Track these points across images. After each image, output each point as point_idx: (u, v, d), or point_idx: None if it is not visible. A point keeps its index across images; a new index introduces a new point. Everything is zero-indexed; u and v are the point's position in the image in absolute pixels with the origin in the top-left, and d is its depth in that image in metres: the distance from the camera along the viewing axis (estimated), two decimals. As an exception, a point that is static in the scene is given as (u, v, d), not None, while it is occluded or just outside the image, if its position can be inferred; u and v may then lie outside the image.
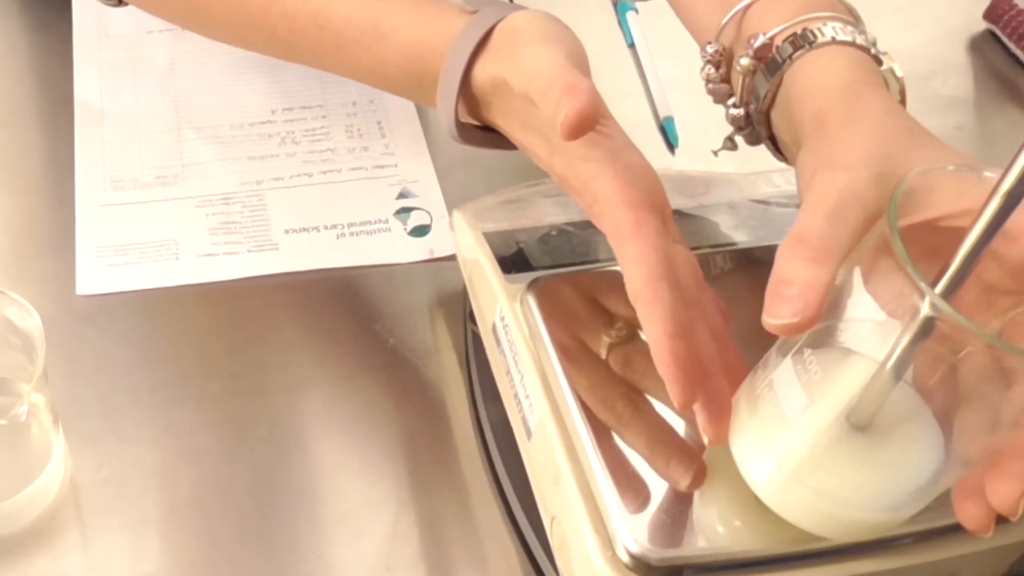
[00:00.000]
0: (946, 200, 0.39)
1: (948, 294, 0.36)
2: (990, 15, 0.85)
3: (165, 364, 0.60)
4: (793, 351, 0.39)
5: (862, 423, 0.39)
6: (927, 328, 0.36)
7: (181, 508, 0.54)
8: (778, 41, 0.48)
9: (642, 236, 0.43)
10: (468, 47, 0.49)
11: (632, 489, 0.44)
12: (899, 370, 0.37)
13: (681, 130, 0.75)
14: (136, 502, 0.54)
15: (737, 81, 0.51)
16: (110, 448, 0.56)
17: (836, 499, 0.40)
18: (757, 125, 0.51)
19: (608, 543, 0.43)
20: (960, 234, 0.36)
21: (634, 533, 0.42)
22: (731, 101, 0.52)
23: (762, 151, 0.53)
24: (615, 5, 0.85)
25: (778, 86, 0.48)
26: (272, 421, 0.57)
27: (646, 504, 0.44)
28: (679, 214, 0.54)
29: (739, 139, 0.54)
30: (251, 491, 0.55)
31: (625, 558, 0.42)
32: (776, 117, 0.49)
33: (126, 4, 0.63)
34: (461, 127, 0.51)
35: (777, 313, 0.38)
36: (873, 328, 0.38)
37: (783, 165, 0.52)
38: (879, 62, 0.48)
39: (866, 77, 0.46)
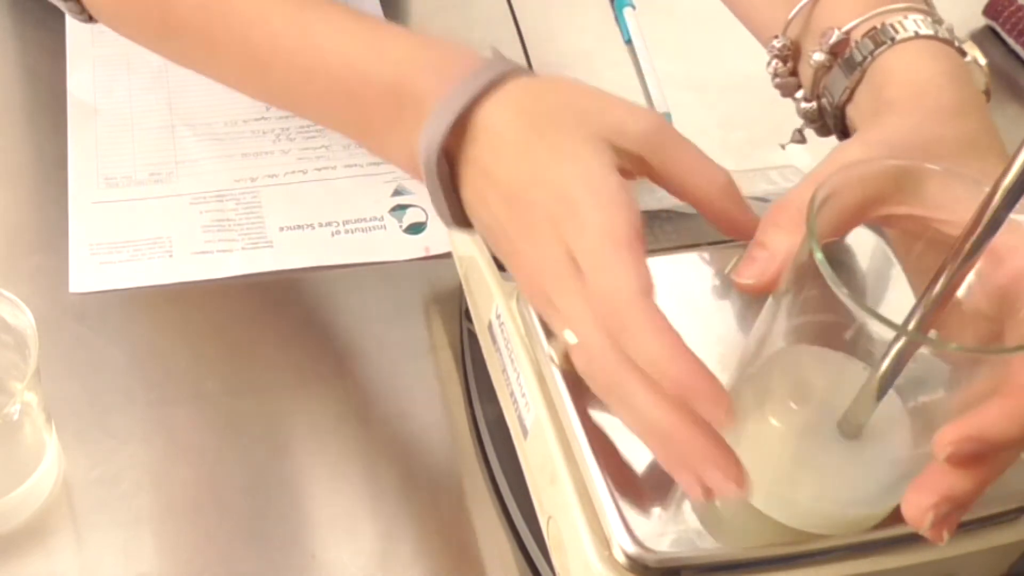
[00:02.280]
0: (936, 202, 0.39)
1: (937, 303, 0.36)
2: (990, 11, 0.85)
3: (159, 362, 0.59)
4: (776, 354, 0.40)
5: (852, 431, 0.39)
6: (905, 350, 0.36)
7: (175, 508, 0.54)
8: (856, 36, 0.47)
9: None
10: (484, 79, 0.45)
11: (629, 489, 0.43)
12: (886, 385, 0.37)
13: (678, 127, 0.74)
14: (129, 501, 0.53)
15: (807, 75, 0.50)
16: (103, 447, 0.55)
17: (828, 499, 0.41)
18: (830, 119, 0.50)
19: (604, 543, 0.43)
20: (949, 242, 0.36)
21: (630, 533, 0.42)
22: (800, 95, 0.51)
23: (761, 150, 0.53)
24: (612, 1, 0.84)
25: (858, 82, 0.47)
26: (266, 420, 0.57)
27: (643, 504, 0.43)
28: (675, 212, 0.54)
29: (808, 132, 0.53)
30: (245, 491, 0.54)
31: (621, 558, 0.42)
32: (853, 112, 0.48)
33: (96, 22, 0.60)
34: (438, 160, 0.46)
35: (741, 273, 0.39)
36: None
37: (782, 162, 0.52)
38: (963, 53, 0.48)
39: (951, 71, 0.45)
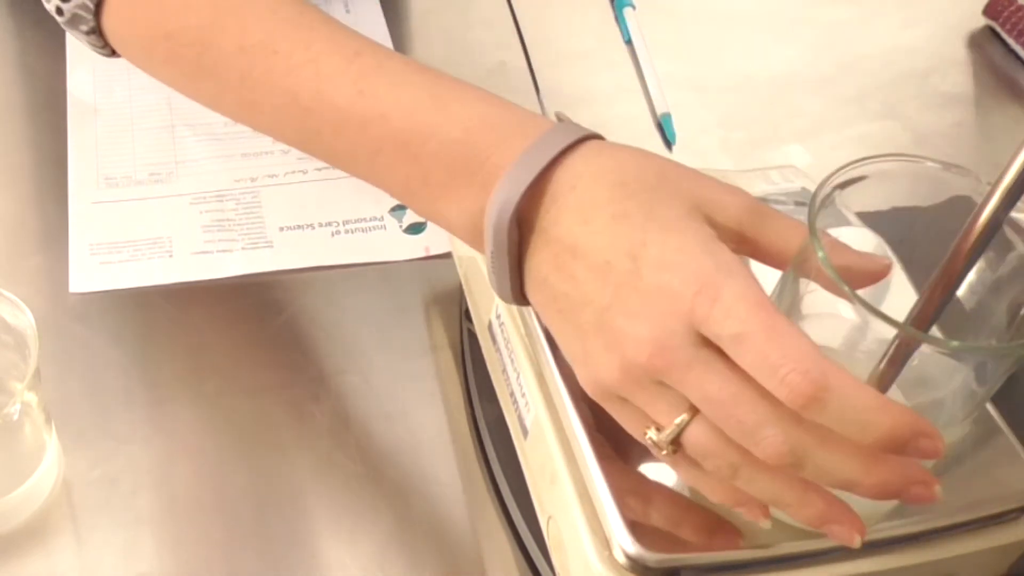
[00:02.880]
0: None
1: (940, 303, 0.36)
2: (990, 11, 0.85)
3: (159, 363, 0.59)
4: None
5: None
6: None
7: (175, 508, 0.54)
8: None
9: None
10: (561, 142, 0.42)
11: (629, 489, 0.43)
12: (887, 383, 0.38)
13: (678, 127, 0.75)
14: (130, 502, 0.53)
15: None
16: (103, 447, 0.55)
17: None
18: None
19: (604, 543, 0.43)
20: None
21: (631, 533, 0.42)
22: None
23: (761, 150, 0.53)
24: (612, 1, 0.84)
25: None
26: (266, 420, 0.57)
27: (643, 504, 0.43)
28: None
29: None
30: (245, 491, 0.54)
31: (621, 558, 0.42)
32: None
33: (118, 55, 0.57)
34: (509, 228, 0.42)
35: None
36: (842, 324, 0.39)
37: (781, 162, 0.52)
38: None
39: None
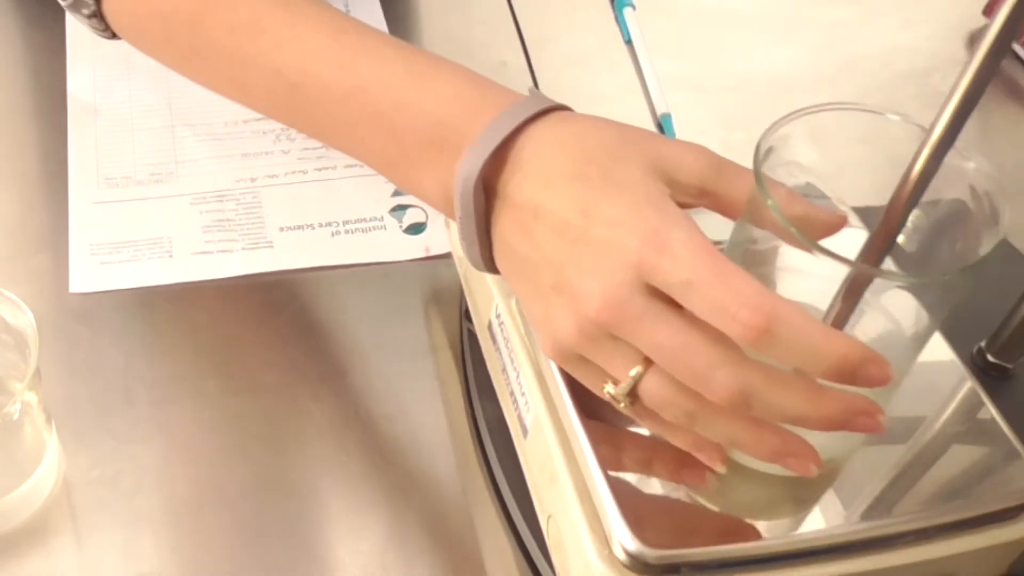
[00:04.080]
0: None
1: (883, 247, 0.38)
2: (990, 11, 0.85)
3: (159, 362, 0.59)
4: None
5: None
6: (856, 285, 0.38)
7: (175, 507, 0.54)
8: None
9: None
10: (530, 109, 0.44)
11: (628, 487, 0.43)
12: (840, 323, 0.39)
13: (678, 127, 0.75)
14: (130, 501, 0.53)
15: None
16: (104, 447, 0.55)
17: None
18: None
19: (604, 541, 0.43)
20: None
21: (631, 531, 0.42)
22: None
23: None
24: (612, 1, 0.85)
25: None
26: (267, 419, 0.57)
27: (643, 502, 0.43)
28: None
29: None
30: (246, 490, 0.54)
31: (622, 556, 0.42)
32: None
33: (119, 38, 0.60)
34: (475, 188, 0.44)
35: None
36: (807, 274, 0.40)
37: (787, 158, 0.52)
38: None
39: None
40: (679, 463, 0.44)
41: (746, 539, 0.43)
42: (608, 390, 0.42)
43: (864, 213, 0.45)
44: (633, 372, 0.40)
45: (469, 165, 0.43)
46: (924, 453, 0.46)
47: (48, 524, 0.52)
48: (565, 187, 0.42)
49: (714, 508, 0.45)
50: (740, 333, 0.37)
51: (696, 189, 0.43)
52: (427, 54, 0.49)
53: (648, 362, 0.40)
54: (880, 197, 0.39)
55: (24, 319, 0.50)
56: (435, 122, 0.46)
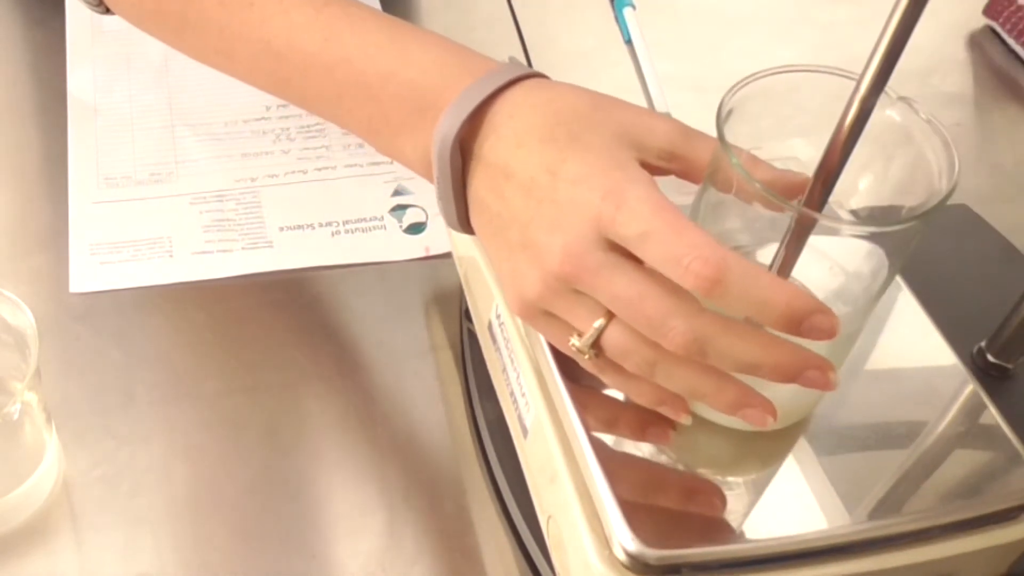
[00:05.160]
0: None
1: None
2: (990, 11, 0.85)
3: (159, 362, 0.59)
4: None
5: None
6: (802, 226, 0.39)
7: (175, 507, 0.54)
8: None
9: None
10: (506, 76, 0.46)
11: (629, 487, 0.43)
12: (786, 271, 0.41)
13: (678, 127, 0.75)
14: (130, 501, 0.53)
15: None
16: (103, 447, 0.55)
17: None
18: None
19: (605, 542, 0.43)
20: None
21: (631, 531, 0.42)
22: None
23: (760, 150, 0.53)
24: (612, 1, 0.84)
25: None
26: (267, 419, 0.57)
27: (643, 502, 0.43)
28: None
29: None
30: (245, 490, 0.54)
31: (622, 557, 0.42)
32: None
33: (112, 14, 0.62)
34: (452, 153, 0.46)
35: None
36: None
37: (786, 154, 0.52)
38: None
39: None
40: (644, 423, 0.46)
41: (746, 539, 0.43)
42: (573, 343, 0.43)
43: (863, 213, 0.45)
44: (597, 324, 0.42)
45: (447, 127, 0.45)
46: (924, 453, 0.46)
47: (48, 524, 0.52)
48: (535, 147, 0.43)
49: (680, 466, 0.46)
50: (693, 283, 0.38)
51: (664, 152, 0.44)
52: (409, 26, 0.51)
53: (610, 314, 0.42)
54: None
55: (24, 319, 0.50)
56: (416, 89, 0.48)
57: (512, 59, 0.49)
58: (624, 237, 0.40)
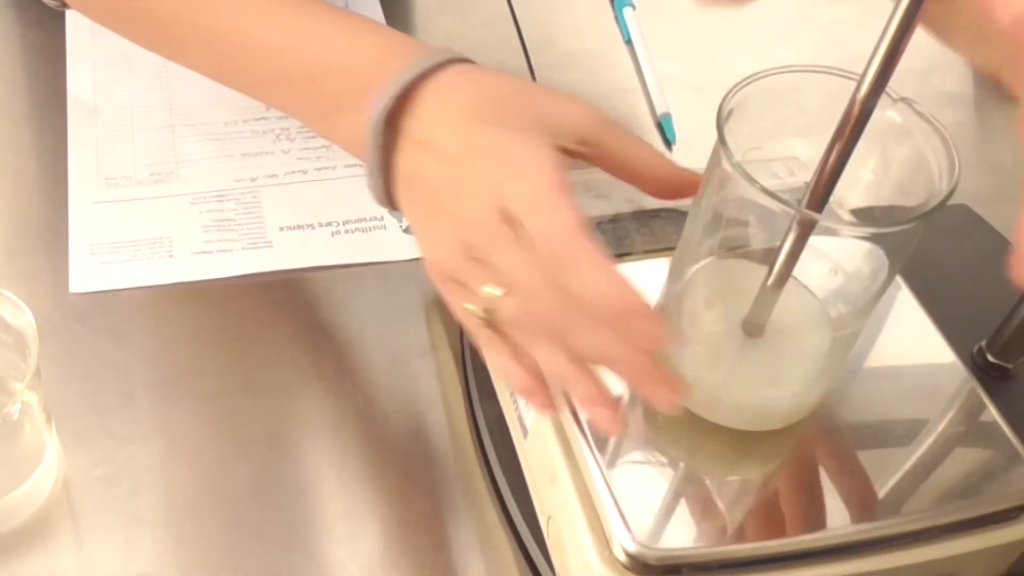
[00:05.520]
0: None
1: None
2: (989, 11, 0.85)
3: (159, 362, 0.59)
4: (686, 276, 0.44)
5: (755, 330, 0.43)
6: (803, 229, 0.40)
7: (175, 507, 0.54)
8: None
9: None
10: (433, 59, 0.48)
11: (629, 487, 0.43)
12: (782, 276, 0.41)
13: (678, 127, 0.75)
14: (130, 501, 0.53)
15: None
16: (103, 447, 0.55)
17: (745, 393, 0.45)
18: None
19: (605, 542, 0.43)
20: None
21: (631, 532, 0.42)
22: None
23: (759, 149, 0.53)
24: (612, 1, 0.84)
25: None
26: (267, 420, 0.57)
27: (643, 502, 0.43)
28: (677, 213, 0.54)
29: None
30: (246, 490, 0.54)
31: (622, 557, 0.42)
32: None
33: (68, 7, 0.64)
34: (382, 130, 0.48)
35: None
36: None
37: (785, 154, 0.52)
38: None
39: None
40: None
41: (746, 539, 0.43)
42: (468, 306, 0.45)
43: (863, 213, 0.45)
44: (491, 289, 0.44)
45: (378, 106, 0.47)
46: (924, 453, 0.46)
47: (48, 524, 0.52)
48: (458, 124, 0.46)
49: (680, 467, 0.46)
50: (543, 262, 0.41)
51: (580, 139, 0.46)
52: (352, 14, 0.53)
53: (508, 284, 0.43)
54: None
55: (24, 319, 0.50)
56: (354, 74, 0.50)
57: (444, 46, 0.50)
58: (515, 212, 0.43)
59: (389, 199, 0.49)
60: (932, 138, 0.41)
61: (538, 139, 0.44)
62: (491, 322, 0.44)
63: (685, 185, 0.46)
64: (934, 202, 0.40)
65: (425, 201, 0.47)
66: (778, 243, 0.41)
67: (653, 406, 0.44)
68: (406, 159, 0.48)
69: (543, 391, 0.45)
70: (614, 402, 0.43)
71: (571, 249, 0.40)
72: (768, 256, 0.42)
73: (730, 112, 0.42)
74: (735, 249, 0.43)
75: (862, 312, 0.44)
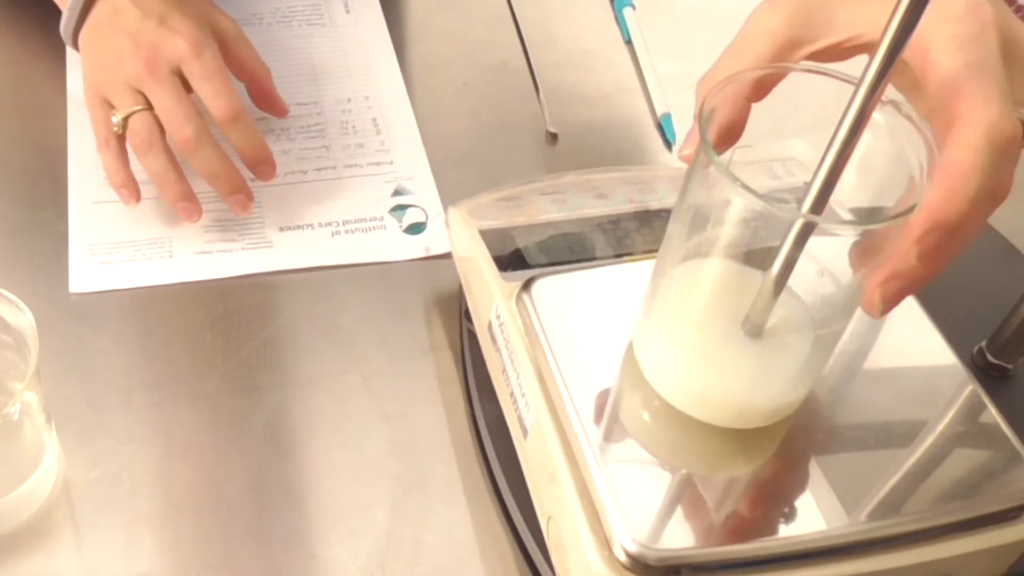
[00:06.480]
0: (842, 25, 0.45)
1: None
2: (989, 11, 0.85)
3: (159, 362, 0.59)
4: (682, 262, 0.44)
5: (755, 330, 0.43)
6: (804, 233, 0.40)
7: (175, 507, 0.54)
8: None
9: None
10: None
11: (629, 488, 0.43)
12: (783, 278, 0.41)
13: (678, 127, 0.75)
14: (129, 501, 0.53)
15: None
16: (103, 447, 0.55)
17: (733, 393, 0.44)
18: None
19: (605, 542, 0.43)
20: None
21: (631, 532, 0.42)
22: None
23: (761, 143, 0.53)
24: (612, 1, 0.84)
25: None
26: (266, 420, 0.57)
27: (643, 503, 0.43)
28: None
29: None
30: (245, 490, 0.54)
31: (622, 557, 0.42)
32: None
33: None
34: None
35: (684, 148, 0.45)
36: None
37: (785, 155, 0.52)
38: None
39: None
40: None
41: (746, 540, 0.43)
42: (113, 118, 0.62)
43: (862, 213, 0.45)
44: (137, 108, 0.62)
45: None
46: (924, 453, 0.46)
47: (48, 524, 0.52)
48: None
49: (680, 467, 0.46)
50: (218, 113, 0.62)
51: (218, 34, 0.66)
52: None
53: (150, 107, 0.62)
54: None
55: (24, 319, 0.50)
56: None
57: None
58: (190, 74, 0.62)
59: (74, 39, 0.66)
60: (915, 139, 0.41)
61: (208, 31, 0.64)
62: (121, 133, 0.62)
63: (276, 106, 0.70)
64: (912, 201, 0.40)
65: (109, 40, 0.63)
66: (761, 242, 0.40)
67: (233, 210, 0.64)
68: (100, 12, 0.64)
69: (134, 185, 0.64)
70: (195, 199, 0.64)
71: (233, 110, 0.62)
72: (752, 256, 0.42)
73: (712, 110, 0.42)
74: (720, 248, 0.43)
75: (844, 312, 0.44)
